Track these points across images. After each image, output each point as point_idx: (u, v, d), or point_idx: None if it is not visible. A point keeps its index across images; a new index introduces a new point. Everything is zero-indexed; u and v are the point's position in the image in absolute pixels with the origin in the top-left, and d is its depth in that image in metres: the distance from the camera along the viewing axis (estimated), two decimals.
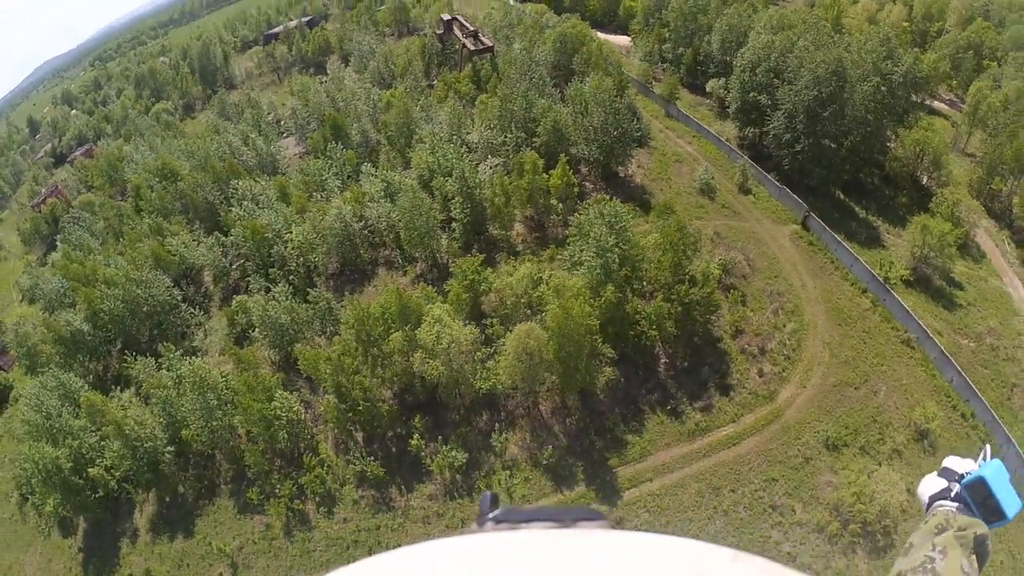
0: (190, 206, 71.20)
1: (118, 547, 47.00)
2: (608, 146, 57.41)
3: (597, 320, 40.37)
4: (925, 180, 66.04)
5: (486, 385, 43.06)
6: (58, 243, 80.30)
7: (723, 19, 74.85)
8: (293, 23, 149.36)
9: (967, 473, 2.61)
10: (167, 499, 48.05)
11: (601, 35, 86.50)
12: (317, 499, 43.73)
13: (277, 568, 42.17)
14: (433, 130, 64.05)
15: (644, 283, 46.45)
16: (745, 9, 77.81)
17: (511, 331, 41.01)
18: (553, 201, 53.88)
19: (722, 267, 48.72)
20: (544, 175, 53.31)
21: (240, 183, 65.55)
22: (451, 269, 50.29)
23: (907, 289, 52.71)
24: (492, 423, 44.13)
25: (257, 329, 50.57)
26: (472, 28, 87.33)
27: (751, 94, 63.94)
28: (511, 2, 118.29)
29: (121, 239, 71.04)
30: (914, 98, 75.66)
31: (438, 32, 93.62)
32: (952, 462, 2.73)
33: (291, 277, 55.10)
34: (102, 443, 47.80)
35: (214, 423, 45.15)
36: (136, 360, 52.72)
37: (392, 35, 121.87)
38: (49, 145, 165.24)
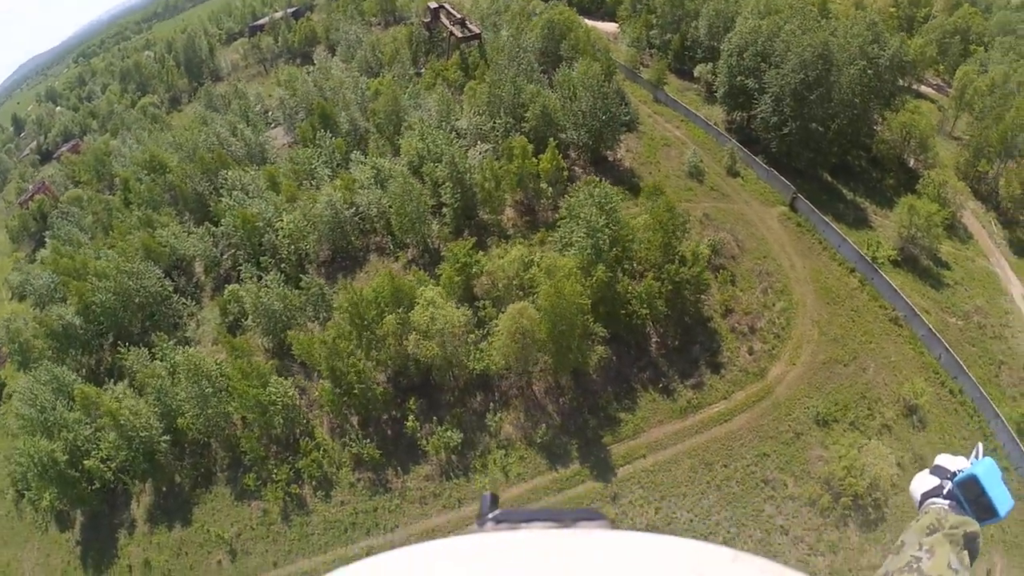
0: (179, 197, 70.91)
1: (116, 539, 47.11)
2: (597, 130, 57.70)
3: (589, 299, 40.80)
4: (912, 162, 66.74)
5: (480, 366, 43.46)
6: (47, 239, 79.70)
7: (710, 4, 75.14)
8: (279, 14, 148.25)
9: (959, 471, 2.60)
10: (164, 489, 48.17)
11: (588, 22, 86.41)
12: (314, 483, 44.04)
13: (276, 553, 42.51)
14: (422, 117, 64.05)
15: (634, 263, 46.86)
16: None
17: (503, 313, 41.35)
18: (543, 185, 54.17)
19: (711, 247, 49.19)
20: (533, 159, 53.54)
21: (229, 173, 65.32)
22: (443, 253, 50.55)
23: (895, 269, 53.41)
24: (486, 404, 44.54)
25: (250, 317, 50.62)
26: (459, 16, 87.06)
27: (738, 78, 64.30)
28: None
29: (110, 232, 70.66)
30: (901, 82, 76.35)
31: (425, 20, 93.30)
32: (944, 460, 2.73)
33: (283, 265, 55.11)
34: (97, 435, 47.83)
35: (209, 411, 45.22)
36: (129, 351, 52.60)
37: (379, 24, 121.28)
38: (35, 142, 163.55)
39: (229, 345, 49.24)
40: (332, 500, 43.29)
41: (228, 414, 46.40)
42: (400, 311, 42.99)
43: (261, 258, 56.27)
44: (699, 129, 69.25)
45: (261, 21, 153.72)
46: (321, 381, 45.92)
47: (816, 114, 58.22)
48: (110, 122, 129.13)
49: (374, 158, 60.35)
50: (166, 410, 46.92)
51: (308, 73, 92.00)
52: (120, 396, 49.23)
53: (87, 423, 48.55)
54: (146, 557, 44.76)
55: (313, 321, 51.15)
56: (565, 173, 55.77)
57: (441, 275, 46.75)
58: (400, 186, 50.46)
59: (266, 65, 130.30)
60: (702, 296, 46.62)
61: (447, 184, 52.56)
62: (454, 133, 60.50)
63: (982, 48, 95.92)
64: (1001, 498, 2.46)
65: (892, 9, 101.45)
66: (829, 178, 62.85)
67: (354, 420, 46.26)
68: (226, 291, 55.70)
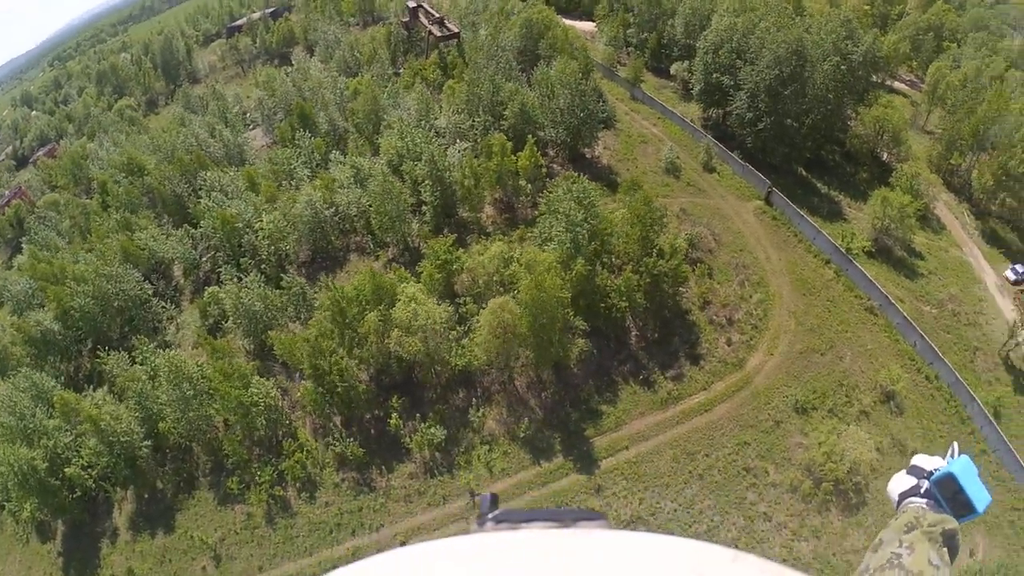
0: (158, 200, 70.23)
1: (98, 548, 46.51)
2: (575, 128, 58.27)
3: (569, 293, 41.19)
4: (885, 156, 67.97)
5: (462, 362, 43.68)
6: (23, 245, 78.52)
7: (687, 3, 76.06)
8: (256, 15, 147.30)
9: (936, 470, 2.63)
10: (146, 495, 47.69)
11: (566, 21, 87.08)
12: (298, 485, 43.90)
13: (261, 557, 42.31)
14: (401, 116, 64.10)
15: (613, 257, 47.40)
16: None
17: (484, 309, 41.59)
18: (522, 182, 54.54)
19: (689, 241, 49.88)
20: (512, 157, 53.89)
21: (208, 174, 64.91)
22: (423, 251, 50.64)
23: (869, 260, 54.46)
24: (469, 400, 44.78)
25: (230, 318, 50.37)
26: (438, 15, 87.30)
27: (714, 75, 65.15)
28: None
29: (88, 236, 69.83)
30: (875, 78, 77.63)
31: (404, 20, 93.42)
32: (920, 460, 2.75)
33: (263, 266, 54.93)
34: (78, 441, 47.22)
35: (191, 414, 44.92)
36: (109, 356, 52.06)
37: (357, 24, 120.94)
38: (10, 147, 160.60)
39: (210, 347, 48.94)
40: (316, 501, 43.20)
41: (210, 417, 46.11)
42: (382, 308, 43.07)
43: (241, 259, 56.01)
44: (675, 126, 70.04)
45: (239, 22, 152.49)
46: (303, 381, 45.82)
47: (790, 110, 59.11)
48: (86, 125, 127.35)
49: (354, 157, 60.34)
50: (147, 415, 46.56)
51: (287, 74, 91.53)
52: (100, 402, 48.67)
53: (67, 430, 47.96)
54: (129, 566, 44.20)
55: (294, 321, 51.06)
56: (544, 170, 56.21)
57: (422, 272, 46.90)
58: (380, 185, 50.54)
59: (244, 66, 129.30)
60: (680, 289, 47.24)
61: (427, 182, 52.74)
62: (433, 132, 60.71)
63: (955, 44, 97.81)
64: (978, 494, 2.49)
65: (867, 7, 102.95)
66: (804, 172, 63.86)
67: (337, 420, 46.24)
68: (206, 293, 55.39)
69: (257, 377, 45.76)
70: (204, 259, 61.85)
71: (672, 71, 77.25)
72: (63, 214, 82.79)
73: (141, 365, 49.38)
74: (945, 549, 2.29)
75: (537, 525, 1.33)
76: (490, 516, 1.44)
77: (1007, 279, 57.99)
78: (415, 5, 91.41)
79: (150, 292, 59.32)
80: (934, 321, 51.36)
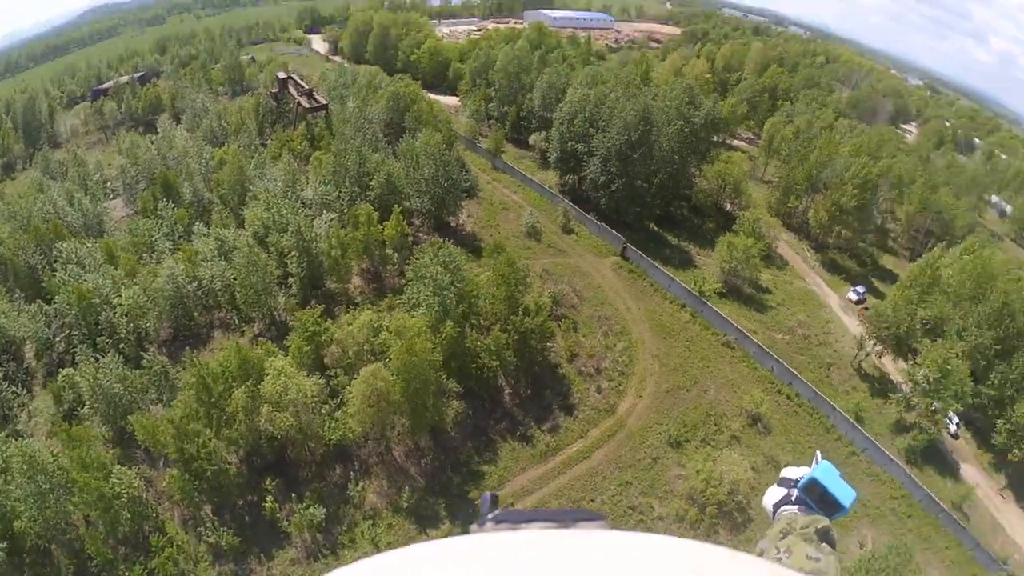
0: (10, 272, 64.07)
1: None
2: (439, 197, 60.54)
3: (440, 356, 42.05)
4: (728, 206, 75.91)
5: (336, 436, 42.73)
6: None
7: (543, 77, 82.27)
8: (124, 78, 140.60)
9: (801, 477, 2.83)
10: None
11: (431, 95, 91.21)
12: None
13: None
14: (268, 187, 63.32)
15: (481, 318, 48.99)
16: (564, 68, 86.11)
17: (356, 379, 41.42)
18: (388, 251, 55.48)
19: (552, 298, 52.78)
20: (379, 227, 54.76)
21: (65, 245, 60.26)
22: (290, 325, 49.69)
23: (721, 300, 60.18)
24: (347, 474, 43.71)
25: (87, 403, 46.51)
26: (307, 87, 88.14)
27: (569, 143, 70.60)
28: (345, 64, 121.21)
29: None
30: (716, 138, 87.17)
31: (273, 91, 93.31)
32: (788, 471, 2.95)
33: (121, 346, 51.50)
34: None
35: (47, 511, 40.41)
36: None
37: (226, 94, 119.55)
38: None
39: (66, 435, 44.45)
40: None
41: (68, 513, 41.64)
42: (249, 384, 41.64)
43: (98, 338, 52.18)
44: (535, 192, 74.98)
45: (105, 85, 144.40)
46: (168, 468, 42.90)
47: (640, 171, 64.93)
48: None
49: (218, 229, 58.66)
50: (1, 513, 41.33)
51: (151, 141, 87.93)
52: None
53: None
54: None
55: (156, 403, 48.02)
56: (410, 239, 57.54)
57: (290, 346, 45.96)
58: (245, 256, 49.38)
59: (108, 132, 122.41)
60: (548, 344, 49.62)
61: (293, 254, 52.10)
62: (300, 203, 60.49)
63: (788, 102, 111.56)
64: (842, 492, 2.71)
65: (708, 75, 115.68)
66: (655, 227, 69.97)
67: (208, 508, 43.26)
68: (60, 376, 50.75)
69: (118, 466, 42.13)
70: (58, 338, 56.92)
71: (531, 141, 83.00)
72: None
73: None
74: (824, 544, 2.44)
75: (537, 525, 1.35)
76: (490, 516, 1.46)
77: (850, 300, 66.16)
78: (285, 76, 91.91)
79: None
80: (787, 346, 57.17)
